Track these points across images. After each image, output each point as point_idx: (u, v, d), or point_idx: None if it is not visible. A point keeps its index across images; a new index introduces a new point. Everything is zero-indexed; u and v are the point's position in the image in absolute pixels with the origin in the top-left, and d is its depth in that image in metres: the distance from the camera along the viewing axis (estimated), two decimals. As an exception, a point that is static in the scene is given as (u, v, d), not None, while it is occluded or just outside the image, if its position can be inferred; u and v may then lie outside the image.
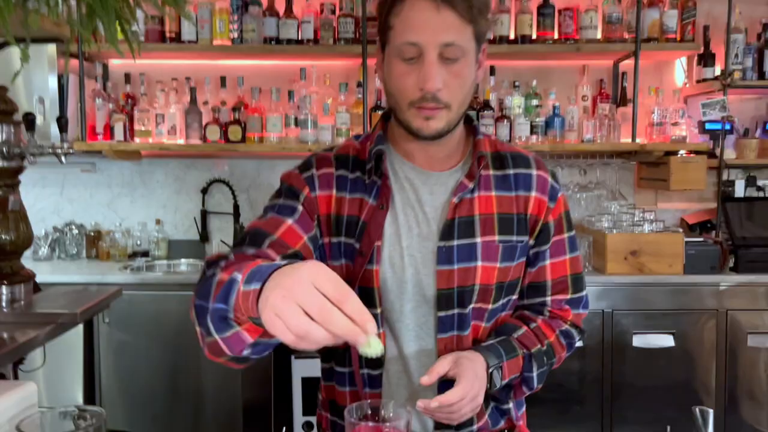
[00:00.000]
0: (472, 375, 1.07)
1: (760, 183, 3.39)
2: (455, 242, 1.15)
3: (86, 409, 1.30)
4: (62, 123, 1.66)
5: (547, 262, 1.24)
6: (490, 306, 1.20)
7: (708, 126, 3.18)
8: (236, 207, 3.36)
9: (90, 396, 2.91)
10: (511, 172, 1.21)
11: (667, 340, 2.89)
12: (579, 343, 1.31)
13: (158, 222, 3.39)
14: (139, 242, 3.37)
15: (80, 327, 2.85)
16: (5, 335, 1.50)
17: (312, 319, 0.72)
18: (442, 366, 1.09)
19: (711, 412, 1.05)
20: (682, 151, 3.13)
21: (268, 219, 1.15)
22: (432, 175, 1.20)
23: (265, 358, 2.91)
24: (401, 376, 1.20)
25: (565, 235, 1.25)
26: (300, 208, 1.16)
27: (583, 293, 1.28)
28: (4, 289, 1.66)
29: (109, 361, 2.89)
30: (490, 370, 1.12)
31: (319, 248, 1.19)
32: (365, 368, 1.19)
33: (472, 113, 3.10)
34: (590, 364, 2.91)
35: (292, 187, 1.19)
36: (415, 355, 1.19)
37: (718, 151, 3.18)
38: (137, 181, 3.42)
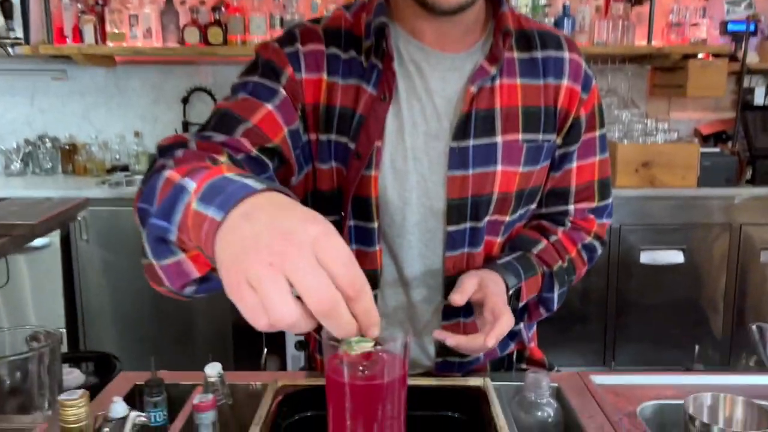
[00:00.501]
0: (506, 308, 0.91)
1: (781, 90, 3.17)
2: (471, 142, 0.95)
3: (40, 330, 1.15)
4: (6, 7, 1.42)
5: (574, 164, 1.04)
6: (507, 218, 1.01)
7: (730, 27, 2.93)
8: (220, 118, 3.13)
9: (72, 318, 2.78)
10: (539, 54, 0.99)
11: (676, 257, 2.75)
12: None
13: (137, 134, 3.17)
14: (117, 156, 3.17)
15: (56, 246, 2.69)
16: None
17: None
18: (471, 285, 0.92)
19: None
20: (700, 54, 2.88)
21: (241, 100, 0.90)
22: (444, 57, 0.97)
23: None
24: (400, 299, 1.03)
25: (597, 133, 1.05)
26: (282, 91, 0.91)
27: (609, 201, 1.10)
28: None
29: (90, 282, 2.75)
30: (510, 293, 0.96)
31: (302, 147, 0.97)
32: None
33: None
34: (595, 281, 2.77)
35: (270, 63, 0.93)
36: (417, 276, 1.01)
37: (739, 55, 2.94)
38: (112, 89, 3.18)
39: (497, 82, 0.96)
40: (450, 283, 0.99)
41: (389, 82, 0.93)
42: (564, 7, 2.92)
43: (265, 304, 0.48)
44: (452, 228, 0.98)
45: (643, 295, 2.80)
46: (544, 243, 1.05)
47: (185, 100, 3.14)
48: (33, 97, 3.18)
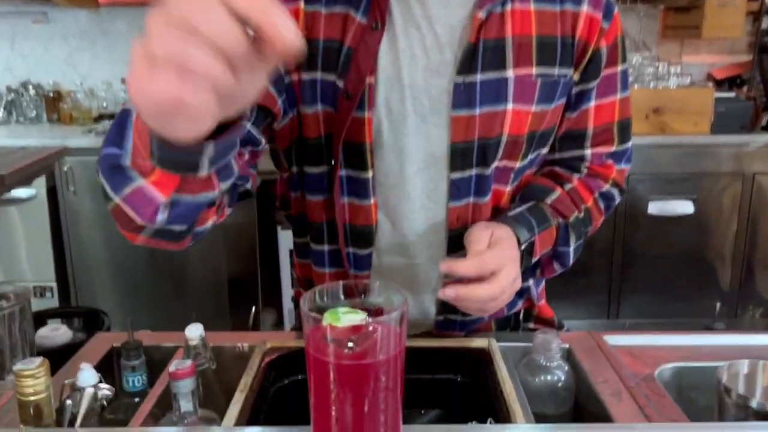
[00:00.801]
0: (513, 264, 0.82)
1: (800, 32, 3.01)
2: (478, 77, 0.83)
3: (8, 289, 1.07)
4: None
5: (592, 104, 0.93)
6: (517, 164, 0.90)
7: (750, -37, 2.75)
8: (210, 63, 2.99)
9: (63, 272, 2.70)
10: None
11: (686, 207, 2.65)
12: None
13: (124, 81, 3.03)
14: (104, 104, 3.04)
15: (42, 198, 2.59)
16: None
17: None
18: (484, 237, 0.82)
19: None
20: (718, -7, 2.72)
21: None
22: None
23: (250, 230, 2.71)
24: (398, 258, 0.93)
25: (618, 68, 0.93)
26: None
27: (629, 144, 0.99)
28: None
29: (79, 235, 2.66)
30: (522, 248, 0.87)
31: (287, 90, 0.86)
32: (350, 246, 0.92)
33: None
34: (600, 233, 2.64)
35: None
36: (417, 231, 0.91)
37: (759, -7, 2.78)
38: (96, 33, 3.03)
39: (508, 6, 0.84)
40: (453, 237, 0.89)
41: (381, 7, 0.82)
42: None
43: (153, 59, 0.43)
44: (456, 175, 0.87)
45: (650, 247, 2.72)
46: (558, 192, 0.95)
47: (174, 44, 2.98)
48: (13, 41, 3.03)
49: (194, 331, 0.91)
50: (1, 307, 1.05)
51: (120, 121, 0.59)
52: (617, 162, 0.99)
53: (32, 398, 0.69)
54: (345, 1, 0.83)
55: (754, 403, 0.67)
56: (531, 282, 1.02)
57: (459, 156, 0.86)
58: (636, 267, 2.74)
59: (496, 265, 0.80)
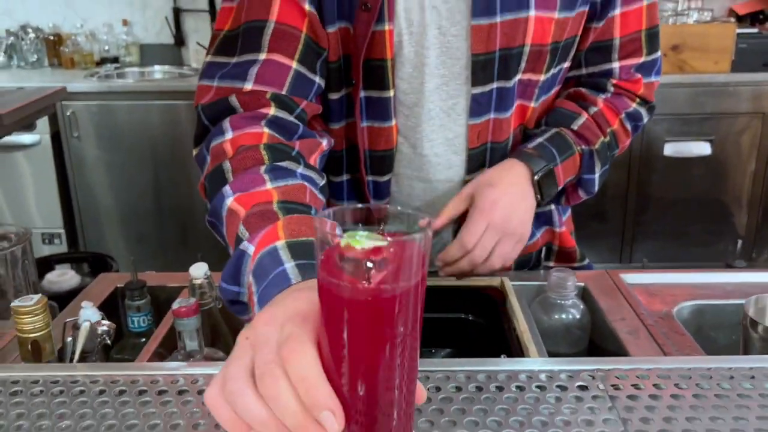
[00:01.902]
0: (481, 215, 0.83)
1: (828, -36, 2.87)
2: None
3: (10, 230, 1.05)
4: None
5: (618, 11, 0.87)
6: (541, 77, 0.86)
7: None
8: (212, 3, 2.91)
9: (70, 218, 2.69)
10: None
11: (703, 148, 2.58)
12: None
13: (125, 23, 2.96)
14: (106, 47, 2.97)
15: (46, 144, 2.56)
16: None
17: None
18: (455, 207, 0.85)
19: None
20: None
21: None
22: None
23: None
24: (417, 182, 0.90)
25: None
26: None
27: (659, 54, 0.94)
28: None
29: (84, 180, 2.64)
30: (537, 178, 0.84)
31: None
32: (370, 174, 0.89)
33: None
34: (614, 175, 2.62)
35: None
36: (436, 152, 0.88)
37: None
38: (96, -27, 2.93)
39: None
40: (473, 156, 0.87)
41: None
42: None
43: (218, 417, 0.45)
44: (477, 90, 0.83)
45: (665, 190, 2.66)
46: (584, 117, 0.91)
47: (175, -16, 2.89)
48: (11, -18, 2.94)
49: (199, 270, 0.88)
50: (3, 248, 1.03)
51: (237, 263, 0.61)
52: (646, 75, 0.94)
53: (31, 335, 0.67)
54: None
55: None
56: (554, 209, 0.99)
57: (480, 69, 0.82)
58: (651, 211, 2.69)
59: (475, 232, 0.83)
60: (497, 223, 0.84)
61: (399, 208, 0.42)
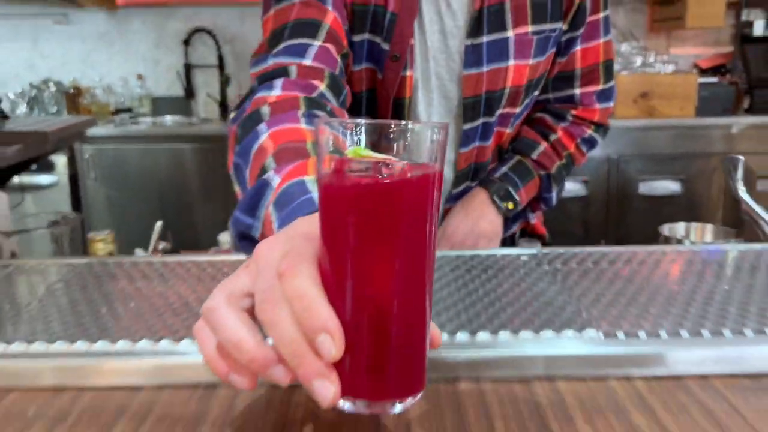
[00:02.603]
0: (444, 239, 1.03)
1: (780, 23, 3.17)
2: (485, 38, 0.96)
3: (63, 214, 1.21)
4: None
5: (579, 47, 1.06)
6: (517, 110, 1.04)
7: (730, -43, 2.92)
8: (221, 59, 3.15)
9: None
10: None
11: (674, 187, 2.79)
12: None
13: (140, 77, 3.19)
14: (122, 99, 3.19)
15: (64, 183, 2.74)
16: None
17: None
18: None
19: (741, 159, 0.95)
20: (700, -15, 2.88)
21: (303, 4, 0.88)
22: None
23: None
24: None
25: (600, 15, 1.06)
26: None
27: (613, 83, 1.12)
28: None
29: (96, 217, 2.80)
30: (495, 198, 1.04)
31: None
32: None
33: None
34: (595, 212, 2.82)
35: None
36: None
37: (739, -15, 2.94)
38: (114, 33, 3.19)
39: None
40: (459, 176, 1.05)
41: None
42: (563, -60, 2.91)
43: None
44: (467, 126, 1.00)
45: (641, 226, 2.84)
46: (543, 146, 1.09)
47: (186, 42, 3.15)
48: (35, 41, 3.19)
49: (227, 236, 1.05)
50: (55, 231, 1.19)
51: (258, 193, 0.60)
52: (604, 101, 1.12)
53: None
54: None
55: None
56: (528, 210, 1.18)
57: (469, 109, 0.99)
58: (629, 245, 2.86)
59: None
60: (458, 243, 1.03)
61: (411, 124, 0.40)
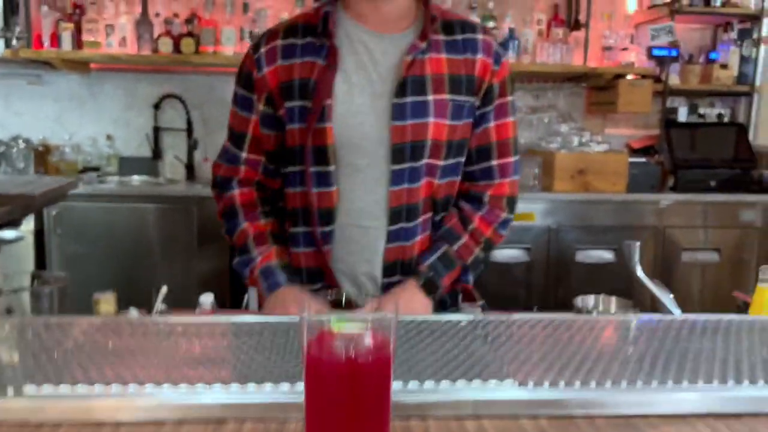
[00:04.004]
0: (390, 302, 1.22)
1: (701, 111, 3.54)
2: (408, 99, 1.19)
3: (51, 275, 1.33)
4: (14, 5, 1.61)
5: (492, 123, 1.29)
6: (441, 162, 1.25)
7: (655, 52, 3.27)
8: (189, 123, 3.32)
9: (42, 308, 2.89)
10: (459, 37, 1.25)
11: (608, 255, 3.04)
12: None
13: (109, 137, 3.32)
14: (89, 158, 3.30)
15: (30, 239, 2.81)
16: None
17: None
18: (370, 308, 1.23)
19: (637, 244, 1.15)
20: (630, 75, 3.22)
21: (239, 116, 1.30)
22: (385, 36, 1.23)
23: (222, 271, 2.96)
24: (353, 230, 1.27)
25: (508, 99, 1.31)
26: (253, 99, 1.26)
27: (519, 157, 1.35)
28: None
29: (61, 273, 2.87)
30: (420, 283, 1.25)
31: (278, 118, 1.24)
32: (319, 225, 1.26)
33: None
34: (536, 278, 3.04)
35: (244, 71, 1.28)
36: (366, 208, 1.25)
37: (663, 77, 3.29)
38: (86, 94, 3.33)
39: (427, 55, 1.22)
40: (392, 213, 1.24)
41: (334, 54, 1.19)
42: (510, 30, 3.23)
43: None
44: (395, 167, 1.21)
45: (579, 292, 3.05)
46: (464, 239, 1.29)
47: (156, 106, 3.31)
48: (8, 100, 3.30)
49: (207, 298, 1.19)
50: (42, 291, 1.30)
51: (245, 261, 1.28)
52: (513, 173, 1.34)
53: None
54: (312, 53, 1.21)
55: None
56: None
57: (397, 153, 1.21)
58: (568, 310, 3.07)
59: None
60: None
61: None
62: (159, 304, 1.03)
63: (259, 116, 1.26)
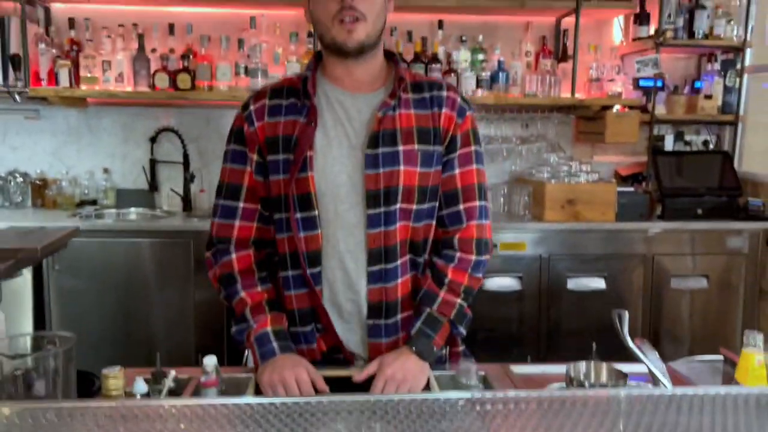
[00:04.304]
0: (381, 375, 1.30)
1: (687, 138, 3.61)
2: (380, 150, 1.32)
3: (56, 335, 1.36)
4: (15, 61, 1.66)
5: (457, 171, 1.40)
6: (414, 206, 1.36)
7: (641, 83, 3.35)
8: (186, 156, 3.36)
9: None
10: (427, 95, 1.39)
11: (598, 283, 3.10)
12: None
13: (106, 171, 3.36)
14: (86, 191, 3.34)
15: (28, 274, 2.84)
16: (-36, 271, 1.52)
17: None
18: (370, 369, 1.32)
19: (626, 313, 1.19)
20: (617, 106, 3.30)
21: (232, 169, 1.41)
22: (359, 96, 1.37)
23: (217, 304, 2.99)
24: (337, 270, 1.37)
25: (472, 149, 1.42)
26: (247, 152, 1.38)
27: (485, 203, 1.45)
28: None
29: (59, 308, 2.90)
30: (414, 349, 1.33)
31: (265, 167, 1.37)
32: (308, 267, 1.35)
33: (420, 66, 3.18)
34: (528, 306, 3.09)
35: (235, 129, 1.41)
36: (348, 249, 1.36)
37: (650, 107, 3.36)
38: (83, 129, 3.37)
39: (397, 111, 1.36)
40: (371, 253, 1.34)
41: (314, 113, 1.34)
42: (499, 62, 3.30)
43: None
44: (371, 211, 1.34)
45: (570, 319, 3.12)
46: (441, 296, 1.38)
47: (153, 139, 3.35)
48: (5, 135, 3.34)
49: (210, 360, 1.24)
50: (49, 351, 1.33)
51: (243, 329, 1.37)
52: (482, 217, 1.42)
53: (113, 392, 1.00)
54: (295, 112, 1.36)
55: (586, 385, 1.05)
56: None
57: (372, 199, 1.33)
58: (560, 337, 3.13)
59: (378, 387, 1.30)
60: (390, 376, 1.28)
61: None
62: (166, 390, 1.07)
63: (253, 166, 1.38)
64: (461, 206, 1.41)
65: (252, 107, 1.39)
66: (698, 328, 3.22)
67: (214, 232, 1.42)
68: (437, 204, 1.41)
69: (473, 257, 1.41)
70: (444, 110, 1.38)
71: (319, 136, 1.34)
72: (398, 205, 1.34)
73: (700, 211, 3.21)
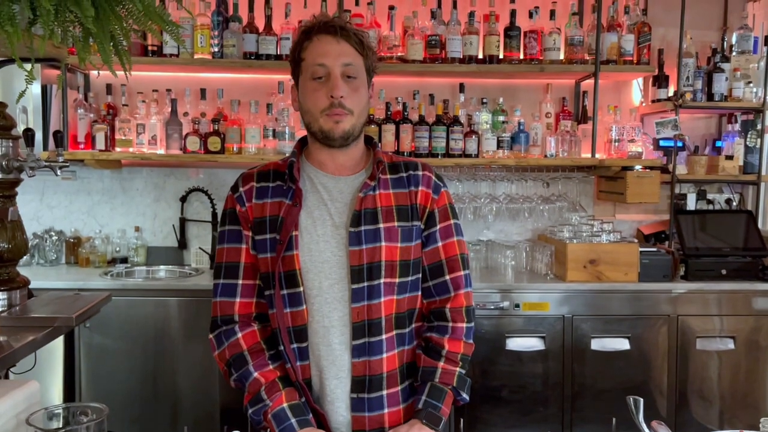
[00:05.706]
0: None
1: (709, 197, 3.62)
2: (362, 228, 1.41)
3: (89, 406, 1.42)
4: (58, 137, 1.77)
5: (440, 243, 1.49)
6: (397, 280, 1.43)
7: (662, 143, 3.39)
8: (214, 215, 3.46)
9: (70, 399, 2.98)
10: (404, 174, 1.49)
11: (623, 344, 3.08)
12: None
13: (137, 229, 3.47)
14: (118, 249, 3.44)
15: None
16: (2, 339, 1.59)
17: None
18: None
19: (641, 400, 1.21)
20: (637, 166, 3.33)
21: (228, 249, 1.47)
22: (341, 179, 1.46)
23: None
24: (323, 345, 1.42)
25: (451, 222, 1.50)
26: (242, 230, 1.46)
27: (469, 271, 1.52)
28: (1, 294, 1.75)
29: (88, 365, 2.97)
30: (424, 422, 1.38)
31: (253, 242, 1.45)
32: (294, 343, 1.42)
33: (442, 128, 3.26)
34: (552, 366, 3.08)
35: (228, 210, 1.49)
36: (333, 324, 1.42)
37: (671, 167, 3.39)
38: (117, 188, 3.50)
39: (377, 191, 1.45)
40: (355, 328, 1.40)
41: (299, 195, 1.43)
42: (519, 123, 3.37)
43: None
44: (355, 286, 1.40)
45: (595, 380, 3.10)
46: (439, 368, 1.44)
47: (183, 199, 3.46)
48: (43, 194, 3.48)
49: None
50: (81, 422, 1.38)
51: (259, 410, 1.38)
52: (466, 286, 1.50)
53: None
54: (281, 195, 1.44)
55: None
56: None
57: (356, 274, 1.39)
58: (585, 397, 3.10)
59: None
60: None
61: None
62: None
63: (249, 243, 1.45)
64: (447, 276, 1.48)
65: (242, 189, 1.47)
66: (727, 389, 3.17)
67: (216, 311, 1.47)
68: (420, 276, 1.48)
69: (465, 325, 1.48)
70: (420, 188, 1.47)
71: (304, 216, 1.42)
72: (382, 280, 1.40)
73: (724, 272, 3.19)
